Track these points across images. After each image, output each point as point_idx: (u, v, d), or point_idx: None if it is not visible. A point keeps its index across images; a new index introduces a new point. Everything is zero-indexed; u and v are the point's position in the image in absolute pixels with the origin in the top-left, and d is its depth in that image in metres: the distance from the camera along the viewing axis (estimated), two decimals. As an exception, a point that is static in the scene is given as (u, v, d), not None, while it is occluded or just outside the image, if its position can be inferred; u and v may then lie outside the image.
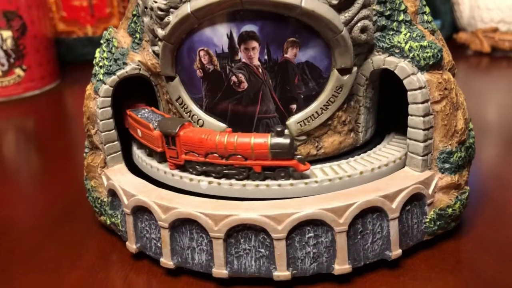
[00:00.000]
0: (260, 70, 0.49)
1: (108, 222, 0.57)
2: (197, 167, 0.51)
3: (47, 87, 1.33)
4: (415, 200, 0.50)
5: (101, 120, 0.56)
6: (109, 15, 1.60)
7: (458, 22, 1.56)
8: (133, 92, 0.62)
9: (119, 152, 0.58)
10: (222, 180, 0.51)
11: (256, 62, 0.49)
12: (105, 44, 0.57)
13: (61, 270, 0.54)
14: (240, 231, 0.47)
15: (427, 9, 0.53)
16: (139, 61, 0.56)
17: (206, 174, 0.52)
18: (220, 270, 0.48)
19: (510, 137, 0.85)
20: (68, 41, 1.59)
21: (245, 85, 0.50)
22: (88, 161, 0.59)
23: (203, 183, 0.51)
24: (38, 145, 0.98)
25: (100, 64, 0.56)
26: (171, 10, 0.49)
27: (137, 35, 0.56)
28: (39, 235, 0.61)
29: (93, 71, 0.57)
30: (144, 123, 0.54)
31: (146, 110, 0.58)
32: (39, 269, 0.54)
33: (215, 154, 0.50)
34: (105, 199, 0.57)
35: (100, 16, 1.60)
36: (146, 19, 0.53)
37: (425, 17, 0.53)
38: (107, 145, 0.57)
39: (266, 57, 0.49)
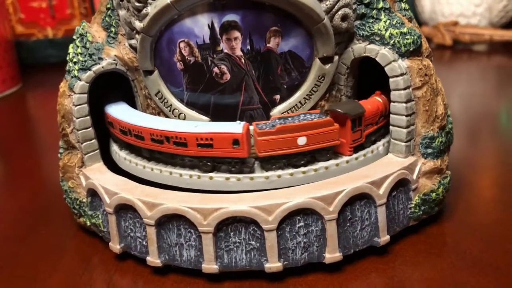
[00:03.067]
0: (243, 60, 0.49)
1: (88, 223, 0.55)
2: (372, 138, 0.52)
3: (8, 91, 1.28)
4: (401, 186, 0.51)
5: (77, 118, 0.54)
6: (70, 16, 1.56)
7: (420, 17, 1.60)
8: (105, 89, 0.60)
9: (97, 151, 0.56)
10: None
11: (238, 52, 0.48)
12: (78, 39, 0.55)
13: (41, 275, 0.51)
14: (229, 224, 0.46)
15: (404, -3, 0.53)
16: (115, 55, 0.54)
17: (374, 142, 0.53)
18: (210, 266, 0.47)
19: (474, 126, 0.88)
20: (28, 43, 1.54)
21: (227, 76, 0.49)
22: (64, 161, 0.57)
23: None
24: (2, 151, 0.94)
25: (74, 60, 0.54)
26: (149, 1, 0.48)
27: (112, 29, 0.54)
28: (13, 241, 0.58)
29: (67, 68, 0.55)
30: (320, 122, 0.48)
31: (273, 120, 0.50)
32: (17, 275, 0.52)
33: (382, 117, 0.52)
34: (84, 200, 0.55)
35: (60, 18, 1.55)
36: (122, 12, 0.51)
37: (402, 5, 0.53)
38: (84, 144, 0.55)
39: (248, 47, 0.48)
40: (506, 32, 1.41)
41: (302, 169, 0.49)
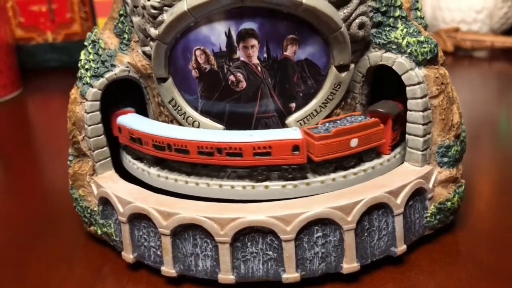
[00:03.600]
0: (259, 68, 0.48)
1: (99, 232, 0.54)
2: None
3: (9, 95, 1.27)
4: (417, 195, 0.50)
5: (89, 125, 0.54)
6: (70, 20, 1.54)
7: (420, 23, 1.60)
8: (114, 96, 0.60)
9: (109, 159, 0.56)
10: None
11: (255, 60, 0.48)
12: (90, 46, 0.54)
13: (52, 284, 0.51)
14: (246, 234, 0.45)
15: (419, 5, 0.53)
16: (128, 62, 0.53)
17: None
18: (226, 276, 0.46)
19: (474, 132, 0.87)
20: (27, 47, 1.52)
21: (243, 84, 0.49)
22: (75, 169, 0.56)
23: None
24: (2, 157, 0.93)
25: (86, 66, 0.54)
26: (165, 8, 0.47)
27: (125, 36, 0.54)
28: (22, 250, 0.58)
29: (78, 74, 0.55)
30: (370, 123, 0.49)
31: (323, 124, 0.50)
32: (27, 285, 0.51)
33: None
34: (95, 208, 0.55)
35: (60, 22, 1.54)
36: (136, 19, 0.51)
37: (418, 13, 0.53)
38: (96, 152, 0.55)
39: (265, 55, 0.48)
40: (507, 39, 1.41)
41: (353, 170, 0.49)
